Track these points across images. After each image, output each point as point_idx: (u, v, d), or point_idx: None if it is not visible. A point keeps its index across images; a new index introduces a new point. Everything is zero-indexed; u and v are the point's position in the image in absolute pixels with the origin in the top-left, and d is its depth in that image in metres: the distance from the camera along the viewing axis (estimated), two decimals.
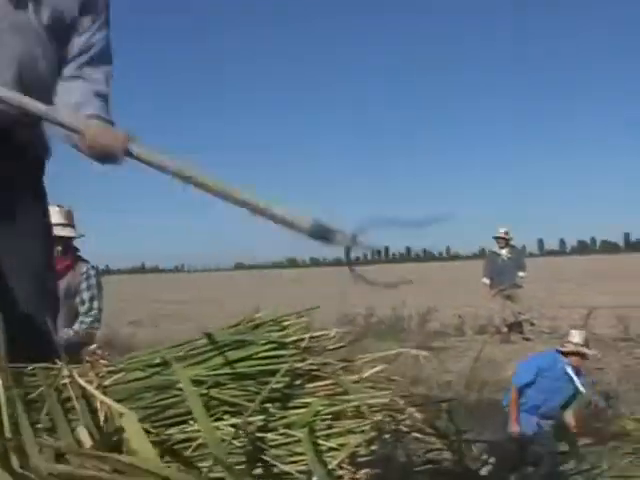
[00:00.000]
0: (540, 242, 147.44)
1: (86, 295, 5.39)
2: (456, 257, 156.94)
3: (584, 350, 6.83)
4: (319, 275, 67.10)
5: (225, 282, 57.20)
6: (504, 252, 13.82)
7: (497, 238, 14.08)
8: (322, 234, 1.72)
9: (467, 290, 24.73)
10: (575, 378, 6.80)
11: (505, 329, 13.92)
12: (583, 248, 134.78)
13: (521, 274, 13.74)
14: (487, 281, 14.04)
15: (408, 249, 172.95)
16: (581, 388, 6.79)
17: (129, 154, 2.02)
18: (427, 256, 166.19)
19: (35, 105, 2.11)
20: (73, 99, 2.40)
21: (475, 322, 15.55)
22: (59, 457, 1.14)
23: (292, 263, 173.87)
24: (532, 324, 14.27)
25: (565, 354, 6.86)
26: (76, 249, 5.59)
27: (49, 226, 2.65)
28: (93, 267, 5.59)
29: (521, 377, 7.07)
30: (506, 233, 14.04)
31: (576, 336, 6.90)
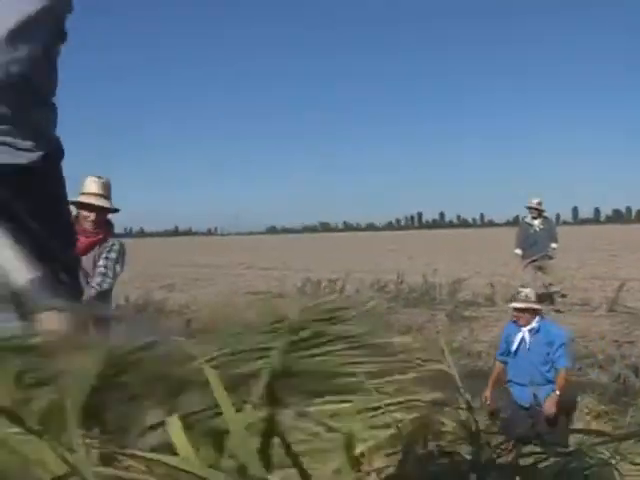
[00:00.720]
0: (574, 210, 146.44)
1: (102, 262, 5.38)
2: (490, 224, 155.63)
3: (515, 305, 6.96)
4: (352, 240, 67.25)
5: (257, 245, 57.31)
6: (537, 223, 13.79)
7: (530, 208, 14.04)
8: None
9: (499, 259, 24.70)
10: (520, 335, 6.88)
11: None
12: (618, 217, 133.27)
13: (553, 245, 13.72)
14: (519, 252, 14.03)
15: (442, 215, 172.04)
16: (526, 343, 6.85)
17: None
18: (461, 222, 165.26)
19: None
20: None
21: (506, 292, 15.54)
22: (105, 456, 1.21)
23: (325, 227, 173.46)
24: (563, 296, 14.27)
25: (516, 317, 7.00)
26: (110, 224, 5.64)
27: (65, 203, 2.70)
28: (121, 244, 5.63)
29: (499, 350, 7.24)
30: (539, 204, 13.99)
31: (529, 295, 7.02)
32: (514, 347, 6.95)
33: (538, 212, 13.87)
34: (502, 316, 13.72)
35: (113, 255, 5.44)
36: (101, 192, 5.37)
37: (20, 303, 1.70)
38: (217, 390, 1.06)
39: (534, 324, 6.87)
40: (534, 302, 7.01)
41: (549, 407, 6.65)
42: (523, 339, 6.90)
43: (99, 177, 5.43)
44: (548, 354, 6.74)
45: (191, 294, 20.69)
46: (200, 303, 19.75)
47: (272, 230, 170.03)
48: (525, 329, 6.89)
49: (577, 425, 7.40)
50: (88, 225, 5.28)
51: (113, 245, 5.49)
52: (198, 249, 42.78)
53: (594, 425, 7.39)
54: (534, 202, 13.98)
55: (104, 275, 5.36)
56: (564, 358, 6.76)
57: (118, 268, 5.50)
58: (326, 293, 18.23)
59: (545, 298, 13.93)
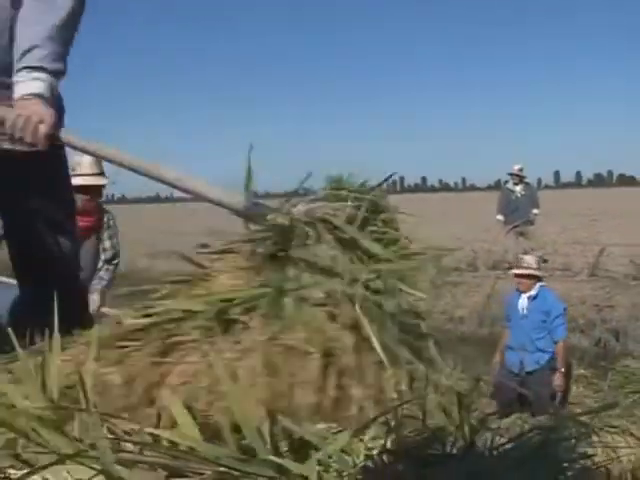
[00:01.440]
0: (556, 174, 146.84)
1: (108, 243, 5.44)
2: (472, 188, 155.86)
3: (515, 271, 7.08)
4: None
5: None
6: (518, 189, 13.88)
7: (511, 175, 14.12)
8: (254, 214, 1.79)
9: (481, 224, 24.80)
10: (520, 301, 6.98)
11: None
12: (599, 181, 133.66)
13: (535, 211, 13.83)
14: (501, 217, 14.13)
15: (424, 179, 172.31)
16: (525, 310, 6.95)
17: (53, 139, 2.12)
18: (443, 186, 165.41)
19: None
20: (20, 50, 2.25)
21: (488, 258, 15.66)
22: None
23: (307, 191, 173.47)
24: (545, 261, 14.35)
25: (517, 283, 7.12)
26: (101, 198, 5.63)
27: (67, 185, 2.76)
28: (112, 215, 5.65)
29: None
30: (520, 170, 14.07)
31: (529, 262, 7.11)
32: (512, 313, 7.06)
33: (519, 178, 13.96)
34: (484, 282, 13.87)
35: (115, 240, 5.56)
36: (99, 171, 5.29)
37: None
38: None
39: (533, 291, 6.96)
40: (535, 269, 7.08)
41: (558, 384, 6.76)
42: (521, 305, 6.99)
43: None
44: (544, 322, 6.83)
45: (176, 262, 20.70)
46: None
47: (255, 196, 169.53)
48: (525, 295, 6.98)
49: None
50: (89, 207, 5.19)
51: (109, 220, 5.54)
52: (181, 216, 42.60)
53: (573, 389, 7.51)
54: (515, 168, 14.06)
55: (115, 255, 5.50)
56: (562, 328, 6.86)
57: (119, 245, 5.63)
58: None
59: None
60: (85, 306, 2.91)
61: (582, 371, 7.76)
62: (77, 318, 2.72)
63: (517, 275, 7.08)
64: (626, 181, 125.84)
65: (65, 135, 2.14)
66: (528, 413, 6.77)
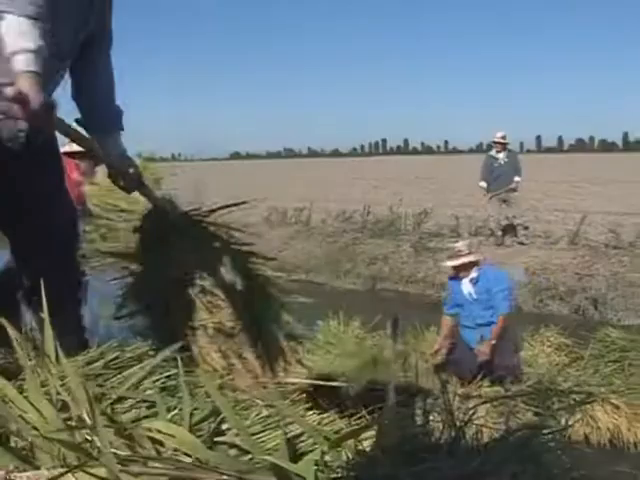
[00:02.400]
0: (538, 139, 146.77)
1: None
2: (454, 151, 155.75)
3: (450, 263, 7.11)
4: (316, 166, 67.06)
5: (221, 172, 57.05)
6: (501, 156, 13.89)
7: (495, 143, 14.14)
8: None
9: (463, 188, 24.89)
10: (463, 287, 7.07)
11: (500, 233, 14.15)
12: (581, 146, 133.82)
13: (517, 178, 13.85)
14: (484, 184, 14.15)
15: (406, 142, 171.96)
16: (471, 293, 7.03)
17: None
18: (425, 149, 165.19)
19: None
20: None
21: (471, 224, 15.76)
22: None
23: (289, 153, 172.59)
24: (526, 228, 14.48)
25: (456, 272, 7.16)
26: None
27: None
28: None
29: (447, 307, 7.46)
30: (503, 137, 14.07)
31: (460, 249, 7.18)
32: (460, 299, 7.13)
33: (502, 146, 13.97)
34: None
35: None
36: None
37: None
38: None
39: (473, 274, 7.02)
40: (468, 254, 7.10)
41: (482, 352, 6.85)
42: (467, 290, 7.07)
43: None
44: (489, 300, 6.91)
45: None
46: None
47: (236, 156, 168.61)
48: (466, 280, 7.04)
49: (539, 358, 7.65)
50: (78, 175, 5.11)
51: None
52: (162, 176, 42.35)
53: (555, 357, 7.63)
54: (498, 136, 14.06)
55: None
56: (503, 303, 6.89)
57: None
58: (292, 223, 18.35)
59: (509, 230, 14.17)
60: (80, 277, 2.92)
61: (563, 339, 7.88)
62: (73, 290, 2.76)
63: (454, 267, 7.12)
64: (607, 147, 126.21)
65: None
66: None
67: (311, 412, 1.90)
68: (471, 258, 7.05)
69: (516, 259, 13.11)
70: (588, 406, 6.50)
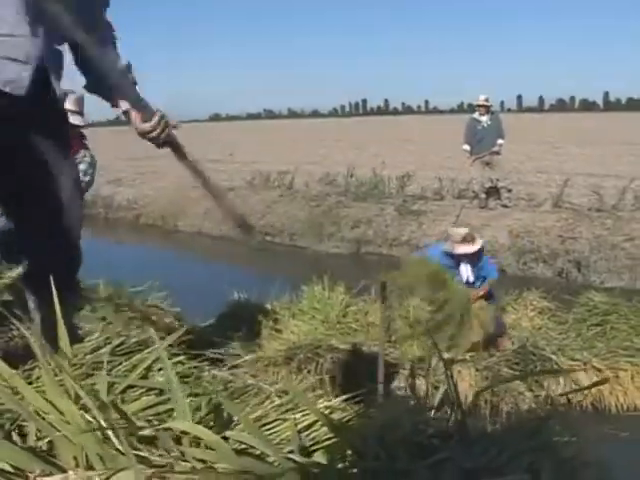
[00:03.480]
0: (519, 98, 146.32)
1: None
2: (435, 111, 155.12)
3: (460, 251, 7.11)
4: (297, 127, 66.72)
5: (202, 134, 56.62)
6: (484, 119, 13.89)
7: (478, 106, 14.13)
8: None
9: (445, 150, 24.89)
10: (462, 268, 7.14)
11: (483, 195, 14.20)
12: (562, 106, 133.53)
13: (500, 141, 13.87)
14: (467, 147, 14.16)
15: (386, 102, 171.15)
16: (469, 278, 7.09)
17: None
18: (405, 109, 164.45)
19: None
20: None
21: (454, 186, 15.78)
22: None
23: (269, 114, 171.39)
24: (509, 190, 14.53)
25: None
26: (83, 136, 5.52)
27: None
28: (92, 156, 5.52)
29: None
30: (486, 100, 14.07)
31: (455, 237, 7.16)
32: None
33: (486, 109, 13.97)
34: (450, 210, 14.01)
35: (82, 167, 5.28)
36: (75, 108, 5.16)
37: None
38: None
39: (475, 261, 7.11)
40: (475, 240, 7.14)
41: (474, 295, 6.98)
42: (465, 273, 7.12)
43: (71, 92, 5.06)
44: (481, 283, 7.04)
45: (139, 189, 20.54)
46: (148, 198, 19.70)
47: (216, 117, 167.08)
48: (466, 264, 7.11)
49: (522, 321, 7.74)
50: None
51: (84, 157, 5.40)
52: (135, 141, 41.99)
53: (538, 320, 7.71)
54: (481, 99, 14.05)
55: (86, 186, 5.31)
56: (493, 272, 7.07)
57: (87, 178, 5.42)
58: (275, 187, 18.31)
59: (493, 193, 14.22)
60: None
61: (546, 303, 7.95)
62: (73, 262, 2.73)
63: (464, 254, 7.12)
64: (588, 107, 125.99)
65: None
66: None
67: (321, 400, 1.92)
68: (479, 246, 7.13)
69: (500, 222, 13.18)
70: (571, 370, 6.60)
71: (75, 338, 2.23)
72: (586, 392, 6.48)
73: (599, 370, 6.56)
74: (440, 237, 13.22)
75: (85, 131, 5.68)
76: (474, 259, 7.12)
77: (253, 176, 19.13)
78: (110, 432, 1.35)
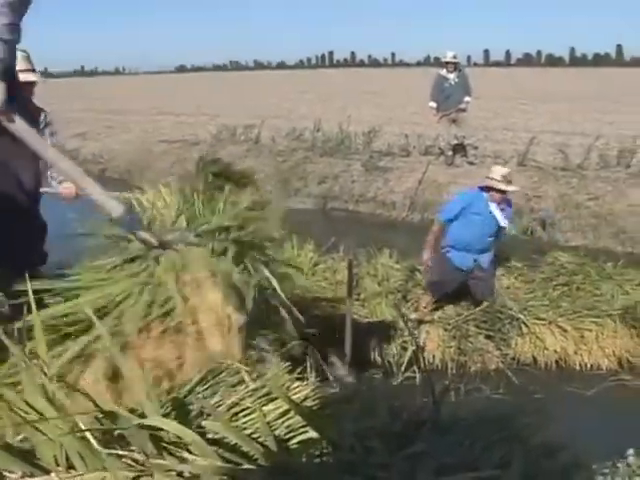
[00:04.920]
0: (486, 53, 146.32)
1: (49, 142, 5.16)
2: (401, 64, 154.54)
3: (502, 187, 6.95)
4: (263, 79, 66.21)
5: (168, 87, 55.99)
6: (452, 76, 13.79)
7: (446, 63, 14.05)
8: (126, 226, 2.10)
9: (412, 104, 24.85)
10: (496, 213, 6.98)
11: (450, 152, 14.19)
12: (528, 60, 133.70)
13: (467, 98, 13.81)
14: (434, 104, 14.08)
15: (353, 54, 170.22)
16: (502, 223, 6.99)
17: None
18: (372, 62, 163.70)
19: None
20: None
21: (421, 143, 15.76)
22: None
23: (235, 66, 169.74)
24: (476, 148, 14.56)
25: (486, 189, 6.95)
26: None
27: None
28: (46, 114, 5.41)
29: (446, 214, 7.19)
30: (454, 57, 13.97)
31: (496, 173, 6.99)
32: (474, 216, 6.99)
33: (453, 66, 13.89)
34: (417, 167, 14.01)
35: (55, 128, 5.26)
36: (27, 67, 5.02)
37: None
38: None
39: (502, 205, 7.01)
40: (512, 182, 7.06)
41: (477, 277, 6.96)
42: (491, 213, 6.98)
43: (23, 51, 4.78)
44: (500, 228, 6.96)
45: (104, 142, 20.31)
46: (114, 152, 19.49)
47: (182, 69, 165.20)
48: (494, 204, 6.98)
49: None
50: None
51: (49, 124, 5.28)
52: (108, 92, 41.60)
53: (505, 280, 7.77)
54: (449, 56, 13.95)
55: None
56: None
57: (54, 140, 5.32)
58: (242, 141, 18.18)
59: (459, 150, 14.22)
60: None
61: (514, 263, 8.01)
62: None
63: (500, 191, 6.98)
64: (554, 62, 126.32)
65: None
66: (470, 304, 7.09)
67: (295, 385, 1.91)
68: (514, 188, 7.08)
69: (466, 179, 13.21)
70: (536, 329, 6.69)
71: None
72: (551, 351, 6.60)
73: (564, 330, 6.65)
74: (406, 194, 13.27)
75: (45, 84, 5.56)
76: (504, 203, 7.05)
77: (219, 130, 18.98)
78: (87, 432, 1.34)
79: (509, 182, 6.90)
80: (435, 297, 7.02)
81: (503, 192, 6.87)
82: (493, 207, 6.92)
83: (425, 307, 7.02)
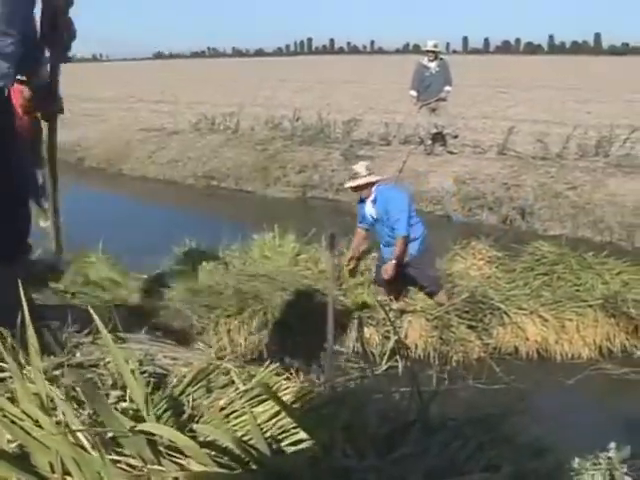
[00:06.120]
0: (464, 40, 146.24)
1: None
2: (380, 51, 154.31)
3: (350, 184, 7.12)
4: (241, 66, 65.94)
5: (146, 74, 55.65)
6: (432, 65, 13.81)
7: (426, 52, 14.08)
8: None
9: (392, 92, 24.85)
10: (368, 208, 7.08)
11: (429, 141, 14.22)
12: (507, 48, 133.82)
13: (447, 88, 13.84)
14: (414, 93, 14.11)
15: (332, 41, 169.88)
16: (374, 215, 7.03)
17: None
18: (351, 49, 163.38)
19: None
20: None
21: (400, 132, 15.77)
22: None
23: (213, 53, 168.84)
24: (455, 137, 14.58)
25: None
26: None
27: None
28: None
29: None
30: (435, 46, 13.99)
31: (357, 171, 7.15)
32: (368, 219, 7.16)
33: (434, 55, 13.91)
34: (396, 156, 14.04)
35: None
36: None
37: None
38: None
39: (372, 195, 7.01)
40: (364, 176, 7.05)
41: (386, 271, 6.94)
42: (369, 212, 7.09)
43: None
44: (388, 220, 6.93)
45: (82, 131, 20.17)
46: (92, 141, 19.36)
47: (159, 56, 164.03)
48: (368, 201, 7.05)
49: (470, 271, 7.82)
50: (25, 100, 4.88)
51: None
52: (85, 79, 41.22)
53: (486, 269, 7.81)
54: (429, 45, 13.97)
55: None
56: (398, 224, 6.85)
57: None
58: (220, 130, 18.13)
59: (439, 139, 14.26)
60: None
61: (495, 252, 8.03)
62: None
63: (352, 188, 7.11)
64: (533, 49, 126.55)
65: None
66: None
67: (285, 386, 1.91)
68: (370, 179, 7.03)
69: (445, 168, 13.26)
70: (518, 319, 6.72)
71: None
72: (532, 341, 6.64)
73: (545, 319, 6.69)
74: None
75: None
76: (368, 193, 7.06)
77: (198, 119, 18.92)
78: (81, 436, 1.34)
79: (361, 176, 7.00)
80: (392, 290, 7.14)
81: (355, 189, 7.10)
82: (368, 204, 7.05)
83: (398, 298, 7.11)
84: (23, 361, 1.69)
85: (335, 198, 13.64)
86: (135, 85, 38.66)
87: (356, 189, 7.11)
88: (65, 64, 2.70)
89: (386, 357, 6.18)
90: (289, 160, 15.18)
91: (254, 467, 1.33)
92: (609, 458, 2.92)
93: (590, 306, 6.76)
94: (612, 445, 3.00)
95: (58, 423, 1.41)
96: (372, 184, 7.01)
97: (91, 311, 1.72)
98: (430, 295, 7.08)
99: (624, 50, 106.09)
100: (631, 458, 2.97)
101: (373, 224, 7.16)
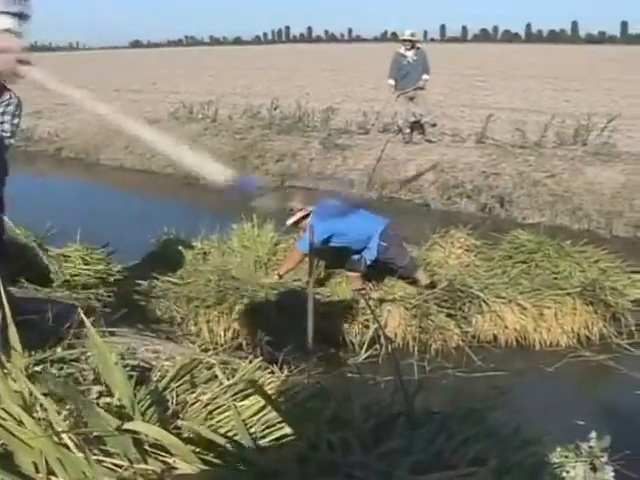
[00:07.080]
0: (442, 28, 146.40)
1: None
2: (358, 39, 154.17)
3: (290, 221, 7.20)
4: (219, 54, 65.65)
5: (123, 62, 55.28)
6: (410, 54, 13.84)
7: (404, 41, 14.09)
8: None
9: (369, 81, 24.85)
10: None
11: (408, 130, 14.24)
12: (485, 36, 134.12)
13: (425, 77, 13.86)
14: (392, 82, 14.12)
15: (309, 30, 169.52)
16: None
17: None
18: (329, 37, 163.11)
19: None
20: None
21: (379, 120, 15.78)
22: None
23: (190, 41, 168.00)
24: (434, 125, 14.61)
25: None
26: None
27: None
28: (18, 97, 5.32)
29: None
30: (412, 35, 14.02)
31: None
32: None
33: (412, 44, 13.92)
34: (375, 144, 14.04)
35: (10, 109, 5.12)
36: None
37: None
38: None
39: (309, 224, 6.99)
40: (299, 210, 7.08)
41: (352, 283, 7.06)
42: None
43: None
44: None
45: (60, 121, 20.02)
46: (70, 131, 19.22)
47: (136, 44, 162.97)
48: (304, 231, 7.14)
49: (449, 259, 7.85)
50: None
51: (10, 99, 5.19)
52: (61, 68, 40.91)
53: (465, 258, 7.84)
54: (407, 34, 14.00)
55: (3, 132, 5.12)
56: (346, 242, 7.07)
57: (16, 120, 5.22)
58: (199, 119, 18.07)
59: (417, 128, 14.28)
60: None
61: (474, 241, 8.07)
62: None
63: (294, 224, 7.14)
64: (510, 38, 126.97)
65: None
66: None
67: (269, 380, 1.91)
68: (302, 213, 7.05)
69: (424, 157, 13.28)
70: (497, 307, 6.75)
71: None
72: (511, 329, 6.67)
73: (524, 308, 6.72)
74: (364, 171, 13.28)
75: None
76: (305, 224, 7.06)
77: (177, 107, 18.84)
78: (65, 436, 1.33)
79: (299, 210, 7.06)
80: None
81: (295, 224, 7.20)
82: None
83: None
84: (4, 358, 1.67)
85: (314, 187, 13.63)
86: (113, 74, 38.36)
87: (296, 224, 7.15)
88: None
89: (365, 346, 6.19)
90: (268, 149, 15.15)
91: (240, 464, 1.32)
92: (590, 447, 2.94)
93: (568, 294, 6.80)
94: (593, 435, 3.02)
95: (41, 420, 1.40)
96: (307, 216, 7.01)
97: (74, 305, 1.71)
98: (409, 278, 7.13)
99: (601, 39, 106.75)
100: (611, 447, 2.99)
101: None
